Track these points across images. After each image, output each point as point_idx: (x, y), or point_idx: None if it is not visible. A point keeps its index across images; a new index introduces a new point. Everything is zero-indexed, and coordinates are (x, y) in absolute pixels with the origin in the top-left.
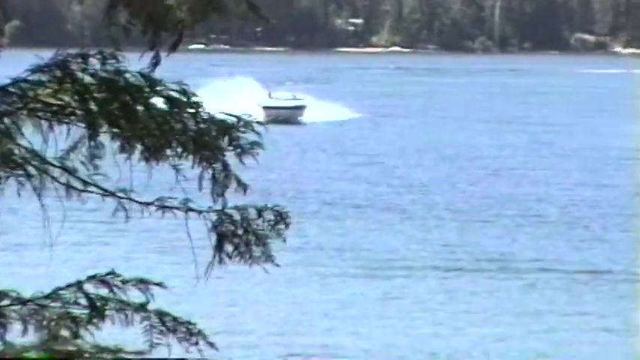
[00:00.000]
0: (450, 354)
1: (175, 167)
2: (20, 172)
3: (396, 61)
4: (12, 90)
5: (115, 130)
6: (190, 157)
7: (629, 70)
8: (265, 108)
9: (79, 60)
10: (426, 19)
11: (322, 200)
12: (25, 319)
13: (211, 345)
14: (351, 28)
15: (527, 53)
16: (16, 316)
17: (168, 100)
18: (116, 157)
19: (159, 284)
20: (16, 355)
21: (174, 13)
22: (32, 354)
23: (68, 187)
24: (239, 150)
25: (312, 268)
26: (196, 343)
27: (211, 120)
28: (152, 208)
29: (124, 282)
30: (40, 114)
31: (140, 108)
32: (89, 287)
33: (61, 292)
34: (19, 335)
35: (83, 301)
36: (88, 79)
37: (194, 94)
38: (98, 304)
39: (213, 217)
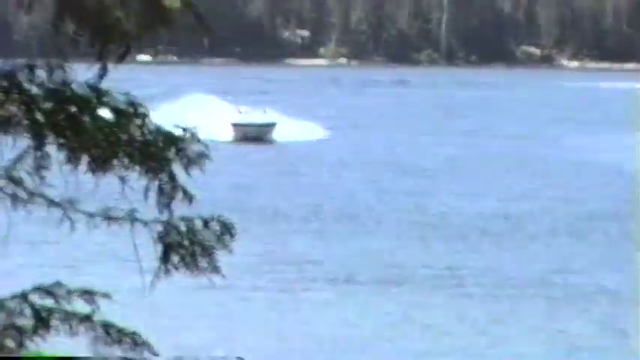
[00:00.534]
0: None
1: (122, 178)
2: None
3: (344, 73)
4: None
5: (61, 140)
6: (137, 167)
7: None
8: (235, 125)
9: (26, 70)
10: (373, 30)
11: (268, 212)
12: None
13: (156, 355)
14: (299, 39)
15: (474, 66)
16: None
17: (115, 111)
18: (62, 168)
19: (104, 295)
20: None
21: (121, 24)
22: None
23: (14, 197)
24: (186, 161)
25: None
26: (141, 354)
27: (158, 131)
28: (98, 218)
29: (70, 292)
30: None
31: (87, 119)
32: (34, 298)
33: (6, 302)
34: None
35: (28, 312)
36: (34, 89)
37: (141, 105)
38: (43, 314)
39: (159, 227)
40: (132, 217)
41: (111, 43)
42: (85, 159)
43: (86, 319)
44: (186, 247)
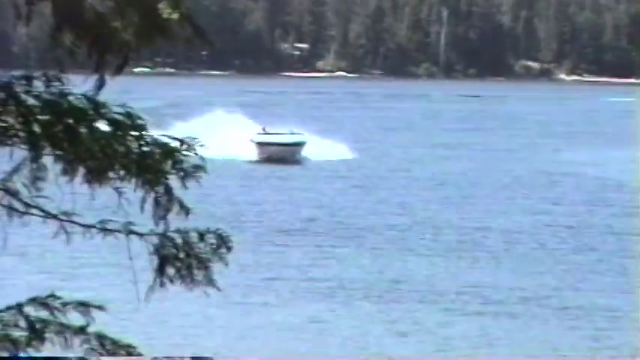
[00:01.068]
0: None
1: (118, 190)
2: None
3: (344, 86)
4: None
5: (58, 152)
6: (133, 179)
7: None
8: (260, 144)
9: (24, 82)
10: (372, 44)
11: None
12: None
13: None
14: (297, 52)
15: (472, 79)
16: None
17: (112, 122)
18: (59, 180)
19: (99, 307)
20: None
21: (119, 35)
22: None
23: (10, 209)
24: (182, 173)
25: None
26: None
27: (155, 143)
28: (94, 230)
29: (65, 305)
30: None
31: (84, 130)
32: (29, 310)
33: (1, 314)
34: None
35: (23, 324)
36: (31, 101)
37: (138, 117)
38: (38, 326)
39: (155, 240)
40: (128, 229)
41: (109, 54)
42: (81, 170)
43: (81, 330)
44: (181, 260)
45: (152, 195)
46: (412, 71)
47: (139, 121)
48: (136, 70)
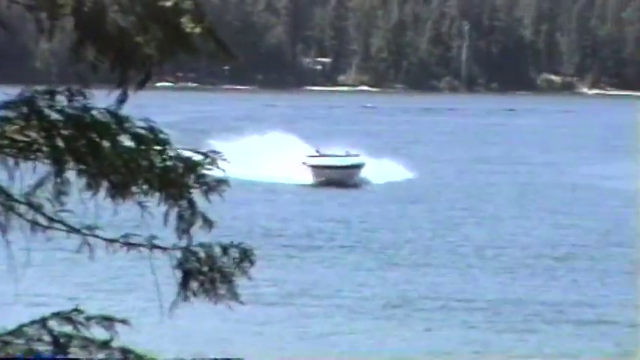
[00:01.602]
0: None
1: (141, 204)
2: None
3: (367, 100)
4: None
5: (81, 166)
6: (156, 194)
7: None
8: (314, 167)
9: (46, 96)
10: (393, 58)
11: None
12: None
13: None
14: (319, 67)
15: (494, 93)
16: None
17: (135, 137)
18: (82, 194)
19: (123, 321)
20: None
21: (142, 49)
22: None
23: (34, 223)
24: (205, 187)
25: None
26: None
27: (178, 157)
28: (117, 244)
29: (88, 319)
30: (6, 150)
31: (107, 145)
32: (53, 324)
33: (25, 328)
34: None
35: (47, 338)
36: (54, 115)
37: (161, 132)
38: (62, 340)
39: (178, 254)
40: (151, 244)
41: (131, 68)
42: (104, 185)
43: (104, 345)
44: (205, 274)
45: (175, 209)
46: (434, 85)
47: (162, 136)
48: (158, 84)
